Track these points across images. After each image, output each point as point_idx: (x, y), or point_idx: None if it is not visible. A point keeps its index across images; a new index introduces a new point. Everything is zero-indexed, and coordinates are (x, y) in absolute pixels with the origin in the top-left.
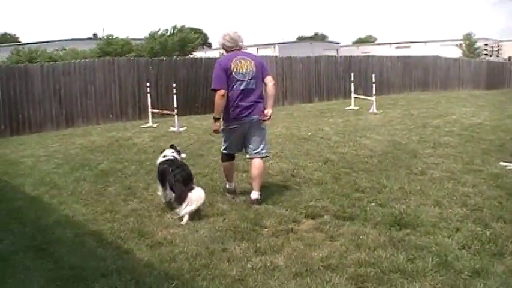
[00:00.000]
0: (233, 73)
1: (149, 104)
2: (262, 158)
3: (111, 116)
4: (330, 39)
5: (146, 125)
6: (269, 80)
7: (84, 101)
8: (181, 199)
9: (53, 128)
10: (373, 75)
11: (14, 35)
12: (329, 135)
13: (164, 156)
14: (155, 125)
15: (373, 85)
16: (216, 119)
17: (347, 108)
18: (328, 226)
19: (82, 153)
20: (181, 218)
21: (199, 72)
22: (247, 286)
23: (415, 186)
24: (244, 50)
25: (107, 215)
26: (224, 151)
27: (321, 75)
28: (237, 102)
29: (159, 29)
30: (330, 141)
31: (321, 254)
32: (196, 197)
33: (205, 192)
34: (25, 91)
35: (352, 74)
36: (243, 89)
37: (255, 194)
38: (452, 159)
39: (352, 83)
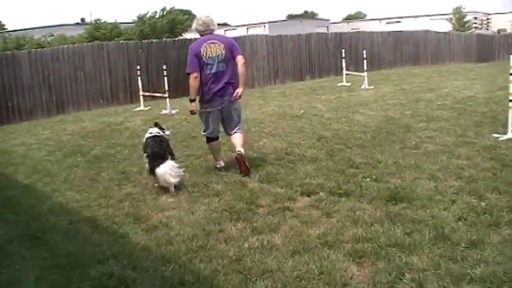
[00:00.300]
0: (203, 58)
1: (140, 87)
2: (241, 132)
3: (102, 101)
4: (320, 16)
5: (138, 109)
6: (239, 60)
7: (74, 86)
8: (151, 173)
9: (44, 116)
10: (364, 51)
11: (0, 22)
12: (322, 112)
13: (150, 133)
14: (147, 109)
15: (365, 61)
16: (192, 100)
17: (339, 84)
18: (324, 203)
19: (74, 140)
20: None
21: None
22: (244, 266)
23: (409, 161)
24: (216, 33)
25: (101, 201)
26: (205, 133)
27: (312, 53)
28: (209, 85)
29: (148, 12)
30: (323, 118)
31: (317, 231)
32: (160, 171)
33: (177, 167)
34: (13, 79)
35: (343, 51)
36: (214, 72)
37: (239, 147)
38: (445, 133)
39: (344, 60)
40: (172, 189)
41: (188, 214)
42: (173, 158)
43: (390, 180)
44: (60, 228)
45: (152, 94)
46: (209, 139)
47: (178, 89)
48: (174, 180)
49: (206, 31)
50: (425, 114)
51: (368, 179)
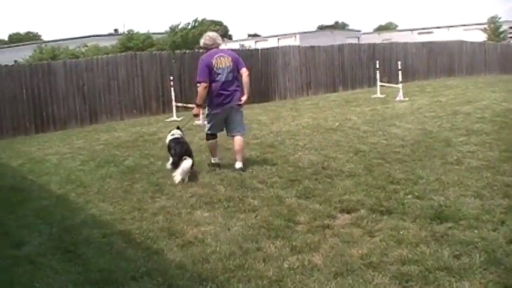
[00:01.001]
0: (214, 68)
1: (173, 97)
2: (241, 135)
3: (134, 111)
4: (350, 27)
5: (170, 119)
6: (244, 71)
7: (108, 96)
8: (175, 166)
9: (77, 125)
10: (399, 62)
11: (37, 33)
12: (357, 124)
13: (172, 135)
14: (179, 119)
15: (399, 72)
16: (198, 105)
17: (373, 96)
18: (366, 221)
19: (107, 150)
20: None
21: None
22: None
23: (452, 177)
24: (222, 47)
25: (134, 214)
26: (208, 131)
27: (345, 64)
28: (219, 91)
29: (180, 23)
30: (359, 131)
31: (360, 251)
32: (184, 165)
33: (193, 163)
34: (49, 88)
35: (377, 62)
36: (223, 81)
37: (238, 164)
38: (488, 147)
39: (377, 71)
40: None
41: (224, 230)
42: (191, 157)
43: (433, 198)
44: (93, 242)
45: (185, 105)
46: (210, 137)
47: None
48: (179, 178)
49: (213, 45)
50: (465, 127)
51: (410, 196)
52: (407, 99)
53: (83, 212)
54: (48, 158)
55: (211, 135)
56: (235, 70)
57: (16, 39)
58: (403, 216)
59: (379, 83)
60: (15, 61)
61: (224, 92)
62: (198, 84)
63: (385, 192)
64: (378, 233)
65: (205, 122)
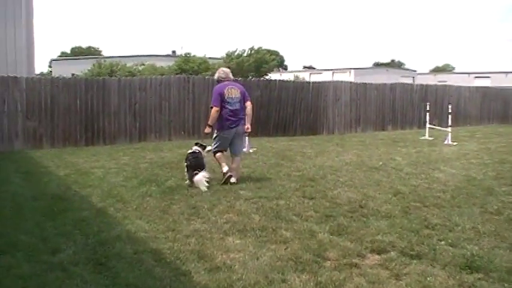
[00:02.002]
0: (226, 97)
1: None
2: (240, 155)
3: (183, 132)
4: (406, 66)
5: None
6: (248, 104)
7: (158, 116)
8: (190, 179)
9: (126, 141)
10: (450, 106)
11: (98, 48)
12: (401, 165)
13: (191, 149)
14: None
15: (449, 116)
16: (209, 126)
17: (421, 138)
18: (394, 263)
19: (151, 168)
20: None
21: (272, 94)
22: None
23: (489, 227)
24: (232, 81)
25: (168, 234)
26: (215, 149)
27: (396, 103)
28: (228, 117)
29: (236, 49)
30: (402, 172)
31: None
32: (196, 179)
33: (208, 174)
34: (102, 103)
35: (427, 104)
36: (232, 109)
37: (233, 179)
38: None
39: (428, 113)
40: (204, 188)
41: (253, 259)
42: (204, 169)
43: (467, 246)
44: (124, 257)
45: None
46: (218, 152)
47: (259, 129)
48: (203, 187)
49: (225, 78)
50: (510, 177)
51: (443, 242)
52: (455, 143)
53: (119, 226)
54: (94, 171)
55: (219, 151)
56: (242, 101)
57: (78, 53)
58: (432, 262)
59: (428, 125)
60: (73, 74)
61: (232, 118)
62: (211, 109)
63: (418, 236)
64: (404, 276)
65: (250, 150)
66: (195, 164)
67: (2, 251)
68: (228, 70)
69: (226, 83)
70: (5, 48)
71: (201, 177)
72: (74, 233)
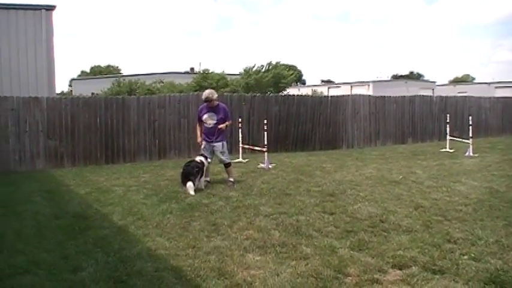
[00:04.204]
0: (203, 118)
1: (240, 139)
2: (226, 163)
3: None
4: (425, 78)
5: (236, 160)
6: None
7: (177, 133)
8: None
9: (146, 159)
10: (470, 117)
11: (117, 67)
12: (421, 179)
13: (195, 159)
14: (245, 161)
15: (470, 127)
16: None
17: (441, 150)
18: (416, 279)
19: (171, 186)
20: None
21: (291, 110)
22: None
23: None
24: (215, 102)
25: (188, 251)
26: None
27: (415, 116)
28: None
29: (254, 65)
30: (423, 185)
31: None
32: (186, 187)
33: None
34: (121, 121)
35: (447, 115)
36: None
37: (230, 181)
38: None
39: (448, 125)
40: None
41: (273, 275)
42: (197, 177)
43: (491, 261)
44: (145, 275)
45: (251, 147)
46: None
47: (278, 144)
48: (192, 193)
49: (207, 99)
50: None
51: (466, 257)
52: (476, 155)
53: (140, 244)
54: (114, 189)
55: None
56: (220, 119)
57: (97, 72)
58: (455, 277)
59: (448, 137)
60: (93, 93)
61: (208, 134)
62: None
63: (440, 251)
64: None
65: (270, 166)
66: (184, 171)
67: (24, 269)
68: (211, 92)
69: (208, 103)
70: (26, 69)
71: (190, 183)
72: (95, 251)
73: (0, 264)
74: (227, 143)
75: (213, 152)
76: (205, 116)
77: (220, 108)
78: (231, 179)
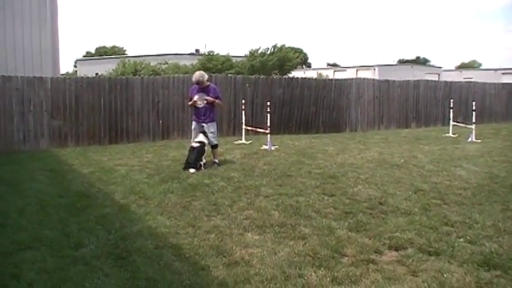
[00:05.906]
0: (194, 99)
1: (243, 121)
2: (213, 145)
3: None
4: (432, 63)
5: (239, 142)
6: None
7: (181, 114)
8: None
9: (149, 139)
10: (474, 103)
11: (122, 47)
12: (423, 163)
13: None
14: (248, 142)
15: (473, 113)
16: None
17: (445, 135)
18: (412, 260)
19: (173, 166)
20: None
21: (294, 92)
22: None
23: (509, 225)
24: (206, 83)
25: (188, 229)
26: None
27: (420, 100)
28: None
29: (260, 47)
30: (423, 169)
31: None
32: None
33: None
34: (125, 102)
35: (451, 101)
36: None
37: (214, 162)
38: None
39: (451, 110)
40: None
41: (271, 254)
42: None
43: (486, 244)
44: (145, 252)
45: (254, 129)
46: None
47: (281, 126)
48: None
49: (198, 82)
50: None
51: (462, 240)
52: (479, 140)
53: (141, 222)
54: (117, 168)
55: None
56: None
57: (102, 52)
58: (450, 259)
59: (452, 122)
60: (96, 74)
61: (198, 114)
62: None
63: (436, 233)
64: (421, 273)
65: (272, 148)
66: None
67: (27, 245)
68: (202, 74)
69: (199, 86)
70: (31, 49)
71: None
72: (97, 229)
73: (4, 240)
74: (217, 124)
75: (203, 132)
76: (196, 97)
77: (211, 88)
78: (216, 160)
